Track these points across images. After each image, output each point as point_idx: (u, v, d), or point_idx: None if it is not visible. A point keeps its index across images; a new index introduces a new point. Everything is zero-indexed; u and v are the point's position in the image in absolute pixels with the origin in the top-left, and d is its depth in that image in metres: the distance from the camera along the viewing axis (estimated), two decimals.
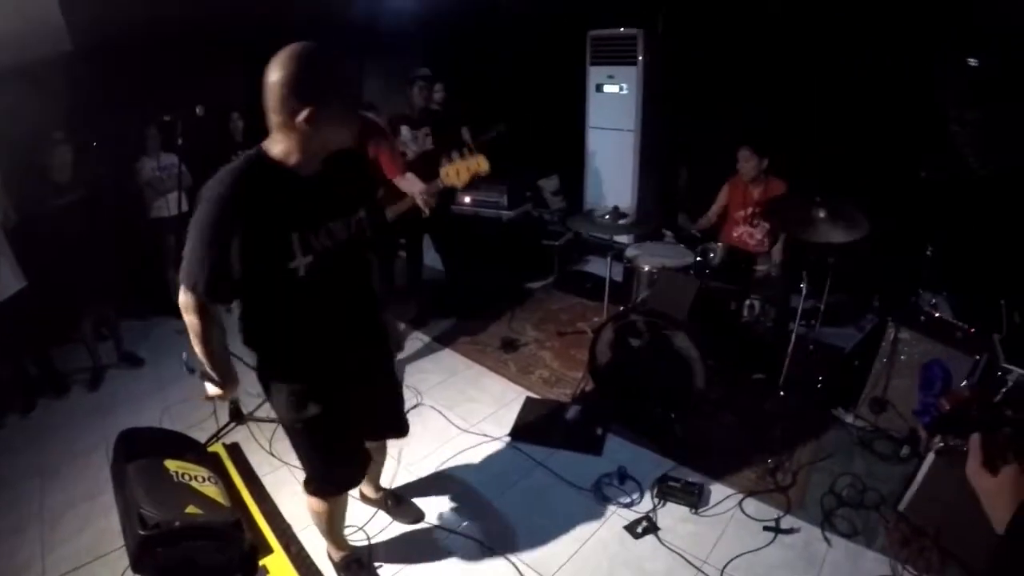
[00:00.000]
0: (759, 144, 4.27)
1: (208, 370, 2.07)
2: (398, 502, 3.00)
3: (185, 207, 4.99)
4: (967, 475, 1.30)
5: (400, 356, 4.61)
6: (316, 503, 2.39)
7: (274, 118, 1.73)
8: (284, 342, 2.02)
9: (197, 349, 2.00)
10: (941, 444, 1.88)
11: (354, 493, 2.83)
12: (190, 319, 1.91)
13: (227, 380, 2.12)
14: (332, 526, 2.56)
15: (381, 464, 2.89)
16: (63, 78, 4.62)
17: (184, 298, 1.87)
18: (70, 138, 4.22)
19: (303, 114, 1.67)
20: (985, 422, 1.42)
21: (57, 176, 4.07)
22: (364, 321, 2.21)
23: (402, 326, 4.93)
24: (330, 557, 2.70)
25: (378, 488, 2.99)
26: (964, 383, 1.51)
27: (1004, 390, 1.53)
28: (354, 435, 2.31)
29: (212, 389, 2.14)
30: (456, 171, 3.13)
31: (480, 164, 3.14)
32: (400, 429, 2.59)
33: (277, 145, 1.79)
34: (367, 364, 2.26)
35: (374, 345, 2.30)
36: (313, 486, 2.33)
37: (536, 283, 6.00)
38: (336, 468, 2.29)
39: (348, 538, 2.74)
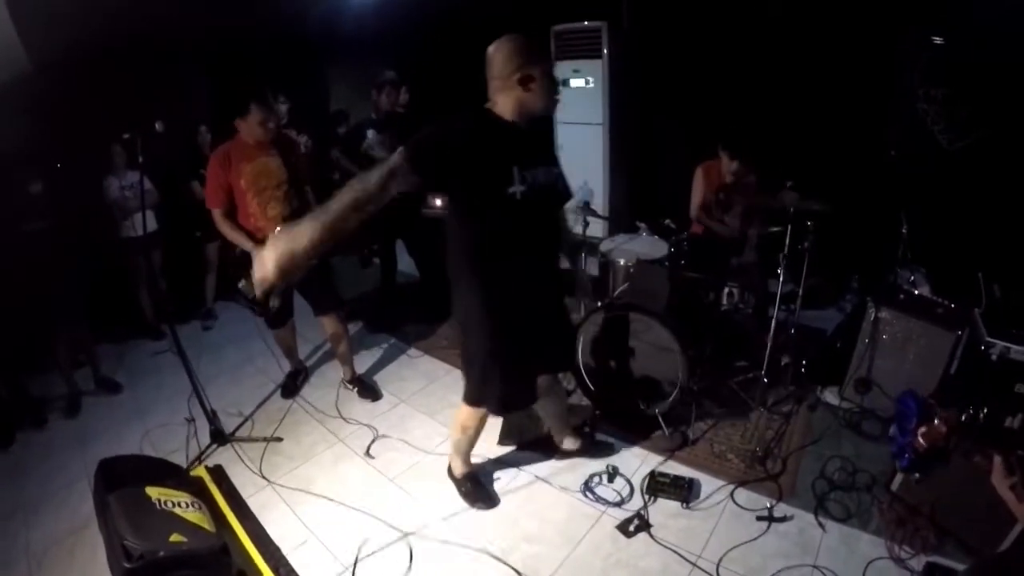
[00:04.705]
0: (731, 142, 4.22)
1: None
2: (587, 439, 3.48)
3: (153, 226, 4.95)
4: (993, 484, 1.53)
5: (375, 360, 4.65)
6: (470, 418, 2.85)
7: (497, 83, 2.30)
8: (492, 271, 2.39)
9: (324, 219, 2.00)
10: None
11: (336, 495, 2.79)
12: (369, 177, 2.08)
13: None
14: (469, 444, 3.05)
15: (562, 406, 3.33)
16: (24, 99, 4.52)
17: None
18: (38, 165, 4.18)
19: (516, 77, 2.25)
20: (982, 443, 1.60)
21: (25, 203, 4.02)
22: (550, 264, 2.62)
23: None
24: (451, 473, 3.18)
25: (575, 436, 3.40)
26: (938, 420, 1.55)
27: (983, 412, 1.56)
28: (531, 367, 2.70)
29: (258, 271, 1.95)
30: None
31: None
32: (568, 366, 3.34)
33: (498, 105, 2.33)
34: (548, 304, 2.67)
35: (555, 289, 2.71)
36: (482, 403, 2.73)
37: None
38: (512, 391, 2.64)
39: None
